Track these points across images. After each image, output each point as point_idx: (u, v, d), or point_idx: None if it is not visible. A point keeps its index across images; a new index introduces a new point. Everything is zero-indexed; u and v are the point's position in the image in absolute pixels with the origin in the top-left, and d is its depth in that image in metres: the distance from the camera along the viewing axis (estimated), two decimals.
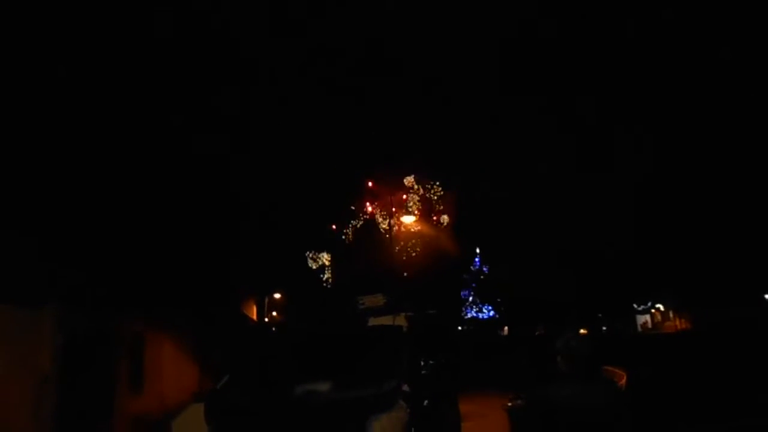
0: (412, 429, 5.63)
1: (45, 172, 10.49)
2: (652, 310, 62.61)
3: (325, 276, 30.32)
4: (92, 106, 11.83)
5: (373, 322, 7.40)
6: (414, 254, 32.52)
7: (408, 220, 25.32)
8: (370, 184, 31.70)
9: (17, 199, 10.01)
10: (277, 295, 30.56)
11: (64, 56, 11.44)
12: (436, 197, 33.72)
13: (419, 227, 31.75)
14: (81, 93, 11.57)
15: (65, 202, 10.69)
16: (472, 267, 51.21)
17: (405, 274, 28.43)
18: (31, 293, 9.21)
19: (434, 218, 33.38)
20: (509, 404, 5.08)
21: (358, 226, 31.76)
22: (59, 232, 10.42)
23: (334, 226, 31.46)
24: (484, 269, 51.96)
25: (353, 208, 32.10)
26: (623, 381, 7.17)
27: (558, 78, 37.63)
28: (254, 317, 24.37)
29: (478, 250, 50.76)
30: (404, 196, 30.25)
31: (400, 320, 7.16)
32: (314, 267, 30.81)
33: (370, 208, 31.81)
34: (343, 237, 31.50)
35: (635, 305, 59.30)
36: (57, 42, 11.40)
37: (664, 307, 60.27)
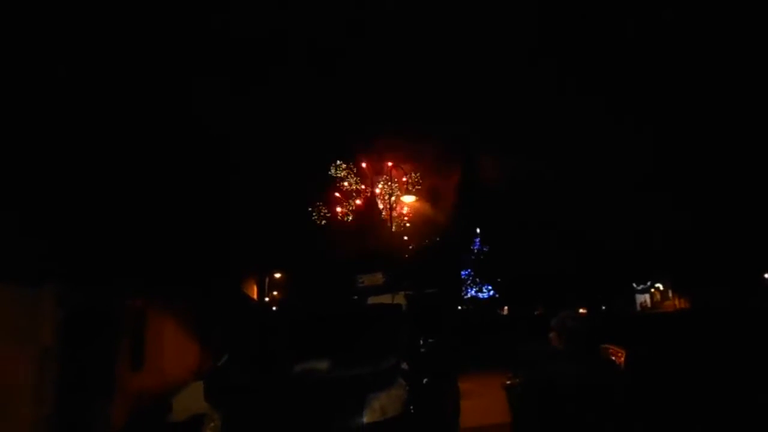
0: (411, 407, 5.66)
1: (44, 152, 10.46)
2: (652, 290, 62.86)
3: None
4: (86, 84, 11.76)
5: (372, 300, 7.41)
6: (414, 233, 32.54)
7: (408, 199, 25.25)
8: (364, 165, 31.65)
9: (16, 178, 9.98)
10: (278, 275, 30.64)
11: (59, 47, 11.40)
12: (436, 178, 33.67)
13: (419, 206, 31.69)
14: (74, 76, 11.52)
15: (64, 180, 10.66)
16: (472, 246, 51.30)
17: (406, 255, 28.48)
18: (32, 271, 9.23)
19: (434, 198, 33.35)
20: (507, 382, 5.10)
21: (356, 204, 31.74)
22: (59, 210, 10.41)
23: (337, 208, 31.44)
24: (485, 249, 52.04)
25: (352, 186, 32.04)
26: (621, 359, 7.19)
27: (565, 57, 37.39)
28: (255, 296, 24.47)
29: (478, 230, 50.82)
30: (404, 178, 30.16)
31: (399, 299, 7.16)
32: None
33: (366, 187, 31.78)
34: (342, 217, 31.48)
35: (635, 284, 59.53)
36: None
37: (664, 286, 60.50)
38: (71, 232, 10.51)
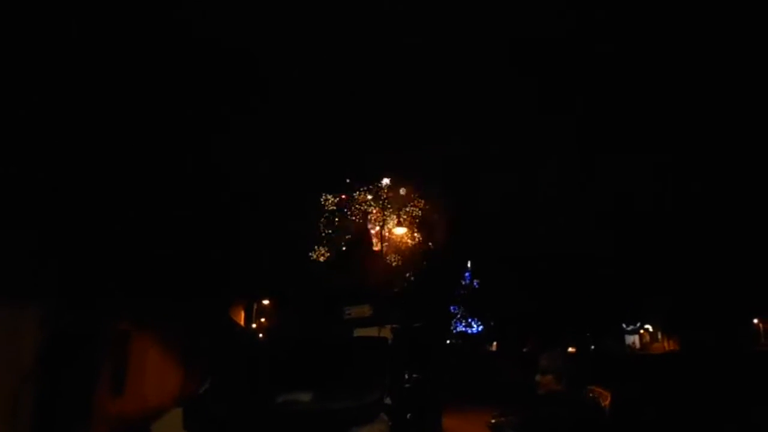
0: None
1: (27, 166, 10.39)
2: (641, 331, 62.74)
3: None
4: (79, 97, 11.78)
5: (358, 332, 7.35)
6: (404, 265, 32.48)
7: (399, 231, 25.32)
8: (356, 194, 31.79)
9: None
10: (266, 302, 30.43)
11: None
12: (427, 209, 33.76)
13: (410, 239, 31.72)
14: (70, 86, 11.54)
15: (50, 197, 10.58)
16: (462, 281, 51.19)
17: (395, 288, 28.39)
18: (13, 289, 9.10)
19: (425, 231, 33.39)
20: (492, 421, 5.05)
21: (348, 236, 31.73)
22: (42, 227, 10.30)
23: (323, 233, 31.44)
24: (475, 283, 51.94)
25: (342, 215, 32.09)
26: (607, 402, 7.15)
27: (554, 89, 37.86)
28: (242, 323, 24.21)
29: (469, 264, 50.77)
30: (400, 208, 30.26)
31: (386, 332, 7.11)
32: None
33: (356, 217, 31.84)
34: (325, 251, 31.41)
35: (624, 325, 59.39)
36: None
37: (653, 327, 60.43)
38: (56, 249, 10.41)
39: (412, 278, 32.14)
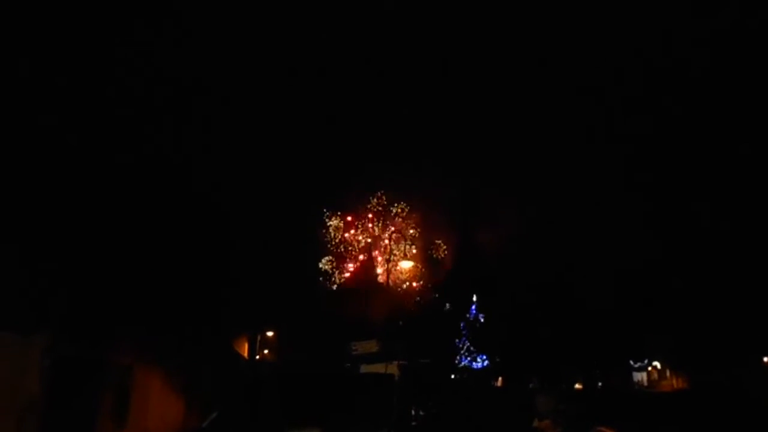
0: None
1: (40, 202, 10.59)
2: (649, 368, 61.71)
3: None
4: (84, 136, 12.06)
5: (365, 368, 7.32)
6: (410, 298, 32.34)
7: (406, 265, 25.29)
8: (368, 225, 31.82)
9: (8, 226, 10.07)
10: (270, 333, 30.17)
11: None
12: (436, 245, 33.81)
13: (416, 273, 31.64)
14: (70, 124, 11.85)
15: (58, 231, 10.73)
16: (467, 315, 50.74)
17: (400, 322, 28.24)
18: (22, 319, 9.15)
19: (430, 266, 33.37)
20: None
21: (353, 268, 31.70)
22: (52, 259, 10.40)
23: (328, 268, 31.38)
24: (480, 318, 51.45)
25: (348, 248, 32.10)
26: None
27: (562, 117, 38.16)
28: (245, 355, 24.02)
29: (474, 298, 50.38)
30: (405, 244, 30.21)
31: (393, 368, 7.08)
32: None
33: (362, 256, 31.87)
34: (337, 280, 31.37)
35: (631, 362, 58.48)
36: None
37: (661, 364, 59.45)
38: (65, 282, 10.49)
39: (419, 310, 31.96)
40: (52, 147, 11.21)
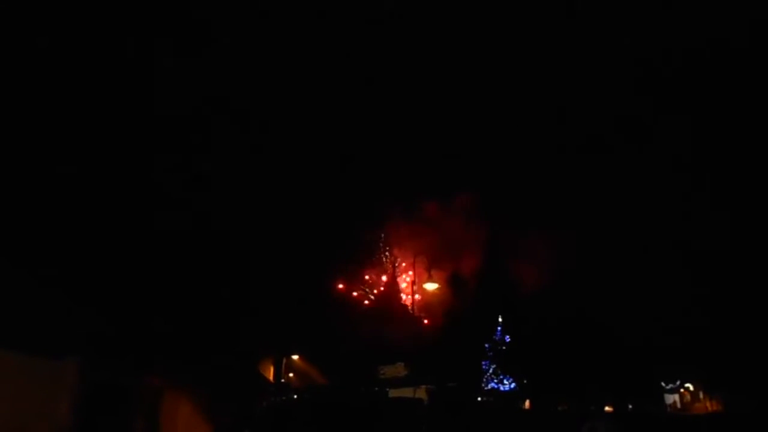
0: None
1: (77, 232, 10.85)
2: (681, 390, 60.17)
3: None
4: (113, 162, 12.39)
5: (393, 393, 7.29)
6: (435, 321, 32.11)
7: (430, 287, 25.16)
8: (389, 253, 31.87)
9: (45, 254, 10.29)
10: (296, 357, 30.18)
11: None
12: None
13: (441, 293, 31.41)
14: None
15: (95, 261, 10.96)
16: (494, 336, 50.20)
17: (426, 344, 28.06)
18: (55, 344, 9.29)
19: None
20: None
21: (378, 290, 31.66)
22: (85, 286, 10.61)
23: (355, 293, 31.40)
24: (506, 339, 50.86)
25: (374, 274, 32.15)
26: None
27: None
28: (271, 378, 24.04)
29: (500, 319, 49.87)
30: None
31: (421, 393, 7.05)
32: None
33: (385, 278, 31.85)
34: (365, 301, 31.35)
35: (663, 384, 57.12)
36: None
37: (694, 386, 57.93)
38: (97, 308, 10.67)
39: (445, 333, 31.69)
40: (92, 181, 11.55)
